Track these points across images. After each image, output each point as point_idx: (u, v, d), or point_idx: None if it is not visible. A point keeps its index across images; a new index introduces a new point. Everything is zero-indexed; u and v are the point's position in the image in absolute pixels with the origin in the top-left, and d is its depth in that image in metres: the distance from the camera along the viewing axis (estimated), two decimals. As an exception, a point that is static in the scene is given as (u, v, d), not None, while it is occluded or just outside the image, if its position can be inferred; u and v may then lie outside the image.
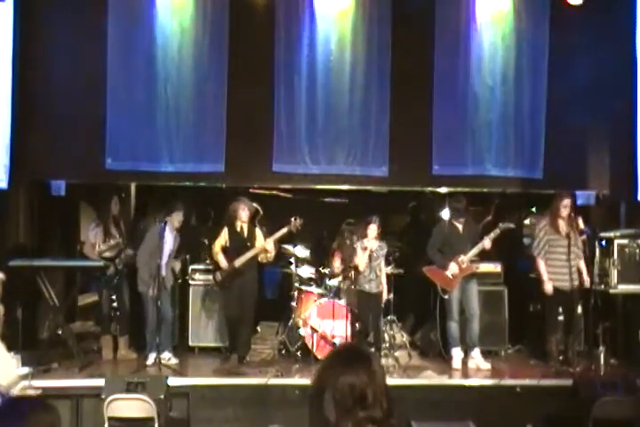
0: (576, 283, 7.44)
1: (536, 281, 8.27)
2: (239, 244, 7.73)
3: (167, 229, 7.62)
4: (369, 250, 7.49)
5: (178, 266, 7.90)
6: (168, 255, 7.74)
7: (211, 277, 7.95)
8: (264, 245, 7.69)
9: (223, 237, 7.77)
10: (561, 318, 7.72)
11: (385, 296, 7.76)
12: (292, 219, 7.64)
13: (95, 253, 7.82)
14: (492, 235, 7.65)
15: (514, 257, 8.85)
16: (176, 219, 7.77)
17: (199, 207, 9.71)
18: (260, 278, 9.49)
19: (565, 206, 7.49)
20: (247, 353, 7.77)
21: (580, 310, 7.77)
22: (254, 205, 8.31)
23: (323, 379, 2.42)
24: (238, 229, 7.77)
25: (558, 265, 7.50)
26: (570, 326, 7.61)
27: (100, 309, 7.97)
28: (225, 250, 7.76)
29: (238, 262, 7.65)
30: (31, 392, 4.77)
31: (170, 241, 7.73)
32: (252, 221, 8.02)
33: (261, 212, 8.86)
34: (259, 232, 7.88)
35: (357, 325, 7.67)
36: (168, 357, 7.62)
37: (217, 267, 7.81)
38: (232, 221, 7.77)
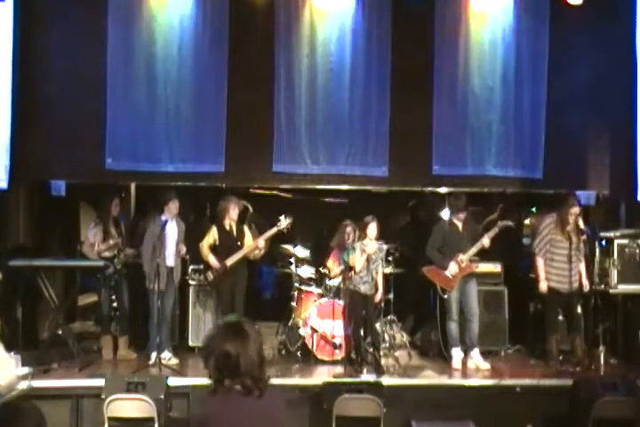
0: (576, 285, 7.42)
1: (536, 281, 8.28)
2: (229, 243, 7.74)
3: (167, 218, 7.63)
4: (367, 254, 7.47)
5: (183, 249, 7.86)
6: (175, 244, 7.72)
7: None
8: (256, 243, 7.70)
9: (212, 236, 7.78)
10: (561, 318, 7.71)
11: (379, 298, 7.73)
12: (282, 218, 7.66)
13: (94, 252, 7.83)
14: (491, 233, 7.64)
15: (514, 257, 8.85)
16: (173, 207, 7.73)
17: (199, 207, 9.71)
18: (260, 278, 9.53)
19: (573, 214, 7.44)
20: None
21: (579, 310, 7.73)
22: (243, 202, 8.32)
23: (210, 346, 2.93)
24: (227, 228, 7.78)
25: (559, 267, 7.47)
26: (570, 328, 7.58)
27: (100, 309, 7.97)
28: (214, 249, 7.78)
29: (230, 262, 7.67)
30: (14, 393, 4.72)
31: (173, 230, 7.71)
32: (240, 220, 8.03)
33: (251, 209, 8.87)
34: (247, 231, 7.90)
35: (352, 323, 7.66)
36: (168, 356, 7.61)
37: (208, 267, 7.82)
38: (221, 219, 7.79)
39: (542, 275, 7.54)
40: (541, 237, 7.59)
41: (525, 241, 9.10)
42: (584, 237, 7.51)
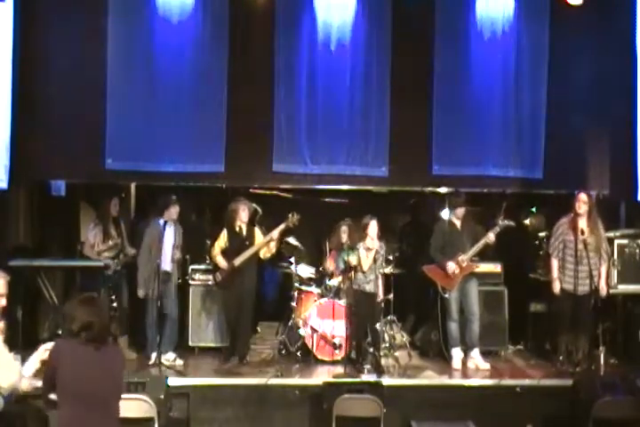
0: (585, 288, 7.28)
1: (537, 281, 8.27)
2: (238, 244, 7.71)
3: (165, 223, 7.59)
4: (374, 251, 7.47)
5: (177, 254, 7.81)
6: (172, 248, 7.68)
7: (210, 277, 7.94)
8: (269, 237, 7.65)
9: (222, 239, 7.75)
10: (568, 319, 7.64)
11: (381, 296, 7.73)
12: (290, 214, 7.65)
13: (94, 253, 7.83)
14: (492, 233, 7.62)
15: (514, 257, 8.84)
16: (174, 211, 7.69)
17: (199, 207, 9.70)
18: (260, 278, 9.51)
19: (579, 201, 7.33)
20: (247, 353, 7.77)
21: (587, 313, 7.48)
22: (253, 205, 8.31)
23: (75, 314, 4.09)
24: (237, 230, 7.76)
25: (570, 268, 7.36)
26: (575, 329, 7.46)
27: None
28: (224, 251, 7.76)
29: (238, 261, 7.63)
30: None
31: (170, 234, 7.67)
32: (250, 221, 8.01)
33: (260, 212, 8.85)
34: (258, 232, 7.87)
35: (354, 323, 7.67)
36: (173, 357, 7.61)
37: (217, 267, 7.80)
38: (231, 221, 7.76)
39: (554, 275, 7.46)
40: (555, 237, 7.52)
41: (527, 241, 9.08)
42: (603, 235, 7.40)
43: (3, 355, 4.52)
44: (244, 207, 7.76)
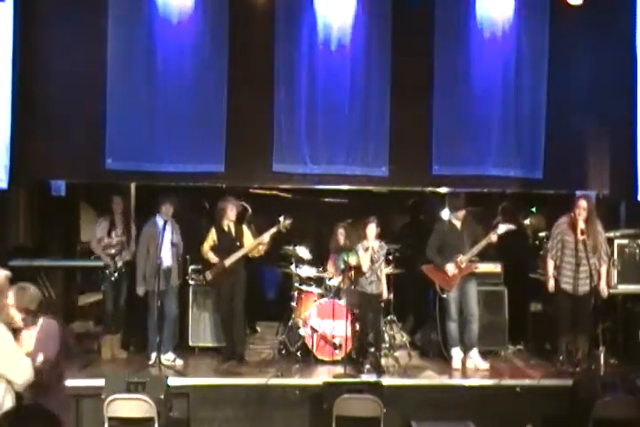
0: (584, 288, 7.28)
1: (537, 281, 8.27)
2: (228, 243, 7.74)
3: (161, 220, 7.59)
4: (370, 250, 7.47)
5: (175, 239, 7.72)
6: (170, 245, 7.68)
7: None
8: (260, 240, 7.70)
9: (211, 237, 7.78)
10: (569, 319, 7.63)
11: (385, 296, 7.75)
12: (281, 218, 7.66)
13: (100, 247, 7.84)
14: (494, 235, 7.60)
15: (514, 257, 8.84)
16: (165, 210, 7.66)
17: (199, 208, 9.70)
18: (260, 278, 9.52)
19: (579, 208, 7.29)
20: (244, 350, 7.80)
21: (587, 314, 7.44)
22: (242, 203, 8.31)
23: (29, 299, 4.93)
24: (226, 229, 7.78)
25: (569, 268, 7.36)
26: (575, 329, 7.43)
27: (104, 308, 7.97)
28: (213, 249, 7.77)
29: (228, 262, 7.66)
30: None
31: (168, 231, 7.65)
32: (239, 220, 8.02)
33: (250, 210, 8.86)
34: (246, 231, 7.89)
35: (357, 325, 7.67)
36: (172, 358, 7.61)
37: (206, 266, 7.81)
38: (219, 220, 7.78)
39: (549, 273, 7.45)
40: (552, 237, 7.52)
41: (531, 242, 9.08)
42: (602, 237, 7.39)
43: (16, 352, 4.55)
44: (232, 206, 7.78)
